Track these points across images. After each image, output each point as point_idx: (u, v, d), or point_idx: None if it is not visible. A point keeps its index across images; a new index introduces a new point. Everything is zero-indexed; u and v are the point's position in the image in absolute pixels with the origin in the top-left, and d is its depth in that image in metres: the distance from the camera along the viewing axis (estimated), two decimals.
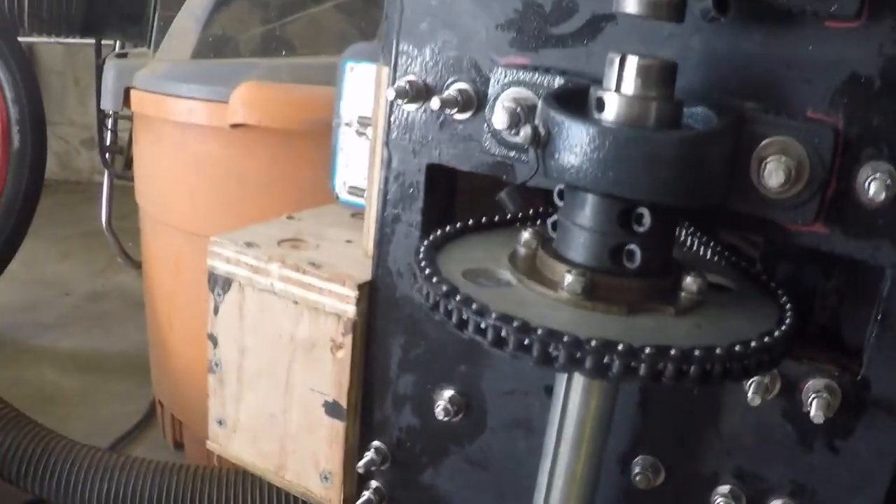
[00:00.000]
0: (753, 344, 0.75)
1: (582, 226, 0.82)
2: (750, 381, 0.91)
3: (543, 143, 0.78)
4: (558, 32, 0.95)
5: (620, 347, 0.70)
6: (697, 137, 0.77)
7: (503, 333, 0.74)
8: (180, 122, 1.95)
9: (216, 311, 1.39)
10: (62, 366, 2.93)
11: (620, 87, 0.78)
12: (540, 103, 0.81)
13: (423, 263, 0.86)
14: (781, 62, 0.85)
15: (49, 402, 2.69)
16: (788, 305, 0.85)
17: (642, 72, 0.78)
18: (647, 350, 0.70)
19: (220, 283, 1.37)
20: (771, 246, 1.02)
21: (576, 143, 0.75)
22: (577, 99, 0.82)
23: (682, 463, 1.01)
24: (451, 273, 0.85)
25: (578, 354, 0.71)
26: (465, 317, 0.76)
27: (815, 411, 0.88)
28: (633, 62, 0.78)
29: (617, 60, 0.78)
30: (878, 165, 0.83)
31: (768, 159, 0.81)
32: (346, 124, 1.36)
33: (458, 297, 0.78)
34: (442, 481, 1.19)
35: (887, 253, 0.85)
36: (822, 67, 0.84)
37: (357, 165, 1.35)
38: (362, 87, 1.31)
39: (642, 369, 0.70)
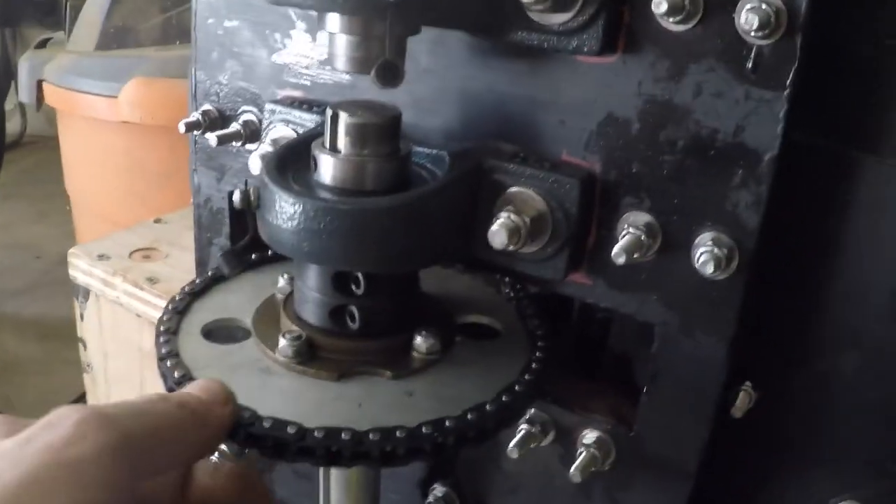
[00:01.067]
0: (425, 429, 0.70)
1: (305, 285, 0.78)
2: (518, 429, 0.88)
3: (254, 207, 0.74)
4: (330, 67, 0.90)
5: (290, 430, 0.67)
6: (403, 202, 0.72)
7: None
8: (85, 116, 1.94)
9: (82, 317, 1.39)
10: (23, 333, 2.95)
11: (335, 145, 0.74)
12: (261, 166, 0.77)
13: (164, 317, 0.83)
14: (534, 101, 0.80)
15: (6, 370, 2.72)
16: (530, 368, 0.80)
17: (353, 130, 0.73)
18: (316, 433, 0.67)
19: (81, 293, 1.36)
20: None
21: (275, 211, 0.71)
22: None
23: (475, 497, 0.99)
24: (195, 324, 0.82)
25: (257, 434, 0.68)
26: (168, 385, 0.74)
27: (573, 469, 0.84)
28: (343, 119, 0.73)
29: (329, 116, 0.74)
30: (637, 216, 0.78)
31: (498, 216, 0.76)
32: None
33: (167, 361, 0.75)
34: (277, 488, 1.19)
35: (654, 309, 0.80)
36: (577, 107, 0.78)
37: None
38: None
39: (317, 451, 0.67)
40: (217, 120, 1.00)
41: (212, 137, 0.95)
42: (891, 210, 0.76)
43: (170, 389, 0.74)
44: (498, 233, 0.74)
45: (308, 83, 0.92)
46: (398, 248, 0.72)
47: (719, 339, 0.79)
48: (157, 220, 1.44)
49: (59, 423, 0.55)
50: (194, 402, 0.64)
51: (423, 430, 0.69)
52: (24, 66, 2.09)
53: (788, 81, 0.70)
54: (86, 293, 1.34)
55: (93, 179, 2.06)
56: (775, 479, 0.89)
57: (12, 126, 3.84)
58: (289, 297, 0.83)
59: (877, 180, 0.75)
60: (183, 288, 0.87)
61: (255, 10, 0.94)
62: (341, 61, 0.72)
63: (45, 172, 4.35)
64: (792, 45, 0.68)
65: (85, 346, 1.40)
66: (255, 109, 0.97)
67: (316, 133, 0.81)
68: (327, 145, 0.74)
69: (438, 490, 1.01)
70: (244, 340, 0.81)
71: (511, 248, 0.75)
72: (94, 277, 1.30)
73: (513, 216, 0.75)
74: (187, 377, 0.73)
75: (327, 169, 0.74)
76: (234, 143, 0.97)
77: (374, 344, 0.77)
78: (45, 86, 2.05)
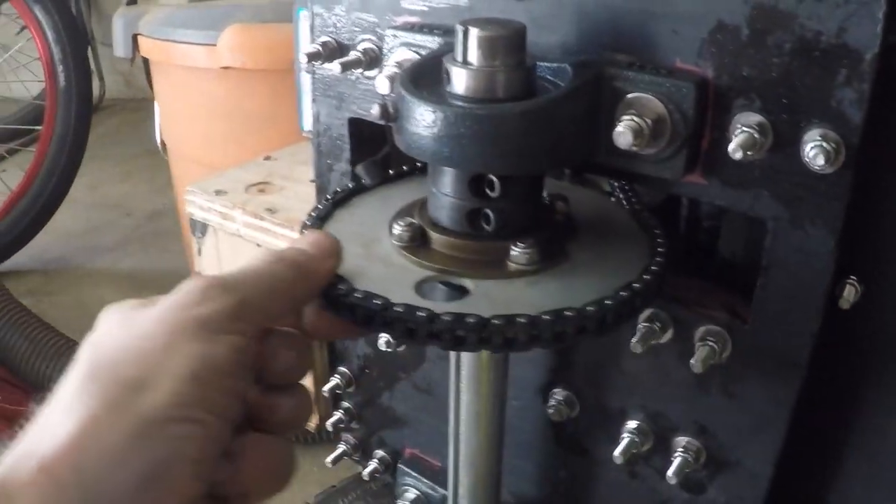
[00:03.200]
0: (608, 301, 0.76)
1: (440, 192, 0.85)
2: (638, 326, 0.93)
3: (393, 118, 0.80)
4: None
5: (421, 314, 0.73)
6: (536, 107, 0.77)
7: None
8: (183, 66, 2.02)
9: (199, 252, 1.47)
10: (120, 287, 3.08)
11: (466, 58, 0.80)
12: (396, 81, 0.83)
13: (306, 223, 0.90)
14: (649, 13, 0.84)
15: None
16: (648, 269, 0.85)
17: (485, 43, 0.78)
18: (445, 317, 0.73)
19: (198, 228, 1.44)
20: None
21: (417, 121, 0.77)
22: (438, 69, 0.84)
23: (594, 398, 1.05)
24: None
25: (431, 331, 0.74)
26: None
27: (694, 360, 0.90)
28: (474, 34, 0.78)
29: (461, 32, 0.79)
30: (749, 117, 0.83)
31: (621, 119, 0.81)
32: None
33: None
34: (397, 403, 1.27)
35: (766, 204, 0.85)
36: (688, 17, 0.82)
37: None
38: None
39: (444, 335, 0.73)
40: (335, 50, 1.06)
41: (335, 65, 1.00)
42: None
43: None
44: (623, 133, 0.80)
45: (425, 8, 0.98)
46: (530, 150, 0.78)
47: (828, 232, 0.83)
48: (267, 158, 1.51)
49: (187, 289, 0.64)
50: (303, 259, 0.72)
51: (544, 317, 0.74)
52: (119, 22, 2.18)
53: None
54: (203, 228, 1.42)
55: (191, 126, 2.15)
56: (879, 374, 0.93)
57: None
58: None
59: None
60: (325, 197, 0.94)
61: None
62: None
63: (127, 134, 4.49)
64: None
65: None
66: (372, 37, 1.03)
67: (439, 52, 0.87)
68: (459, 59, 0.80)
69: (559, 394, 1.07)
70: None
71: (634, 148, 0.80)
72: (212, 212, 1.38)
73: (636, 118, 0.80)
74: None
75: (460, 80, 0.80)
76: (353, 71, 1.03)
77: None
78: (140, 39, 2.13)
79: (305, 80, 1.40)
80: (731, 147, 0.80)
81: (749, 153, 0.80)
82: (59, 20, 2.82)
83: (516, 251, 0.82)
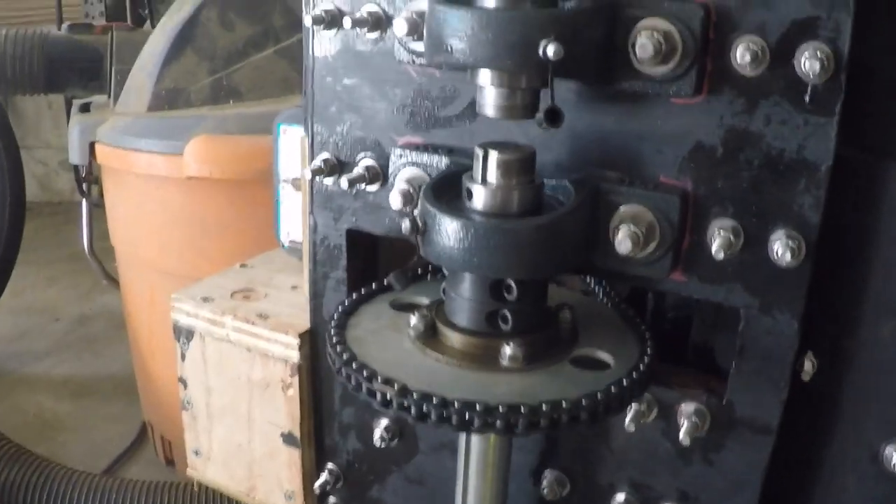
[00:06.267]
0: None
1: (460, 296, 0.96)
2: (629, 409, 1.05)
3: (422, 232, 0.90)
4: (444, 115, 1.07)
5: (435, 400, 0.86)
6: (552, 221, 0.90)
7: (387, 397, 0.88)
8: (142, 174, 2.08)
9: (183, 357, 1.53)
10: (57, 392, 3.06)
11: (486, 178, 0.91)
12: (421, 195, 0.94)
13: (331, 332, 1.00)
14: (635, 136, 0.98)
15: (48, 428, 2.83)
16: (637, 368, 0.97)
17: (503, 165, 0.90)
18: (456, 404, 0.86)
19: (183, 334, 1.50)
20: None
21: (446, 234, 0.88)
22: (456, 184, 0.95)
23: (584, 475, 1.16)
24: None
25: (444, 414, 0.85)
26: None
27: (682, 435, 1.01)
28: (493, 157, 0.90)
29: (481, 155, 0.91)
30: (724, 222, 0.96)
31: (619, 227, 0.94)
32: (284, 180, 1.49)
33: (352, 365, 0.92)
34: (387, 496, 1.35)
35: (739, 295, 0.99)
36: (670, 138, 0.97)
37: (296, 218, 1.48)
38: (294, 148, 1.43)
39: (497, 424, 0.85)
40: (335, 166, 1.17)
41: (344, 181, 1.11)
42: None
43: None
44: (624, 242, 0.92)
45: (426, 128, 1.09)
46: (545, 258, 0.90)
47: (793, 315, 0.98)
48: (243, 266, 1.59)
49: None
50: None
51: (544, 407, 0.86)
52: (76, 129, 2.22)
53: (837, 109, 0.89)
54: (189, 334, 1.48)
55: (146, 232, 2.19)
56: (835, 430, 1.06)
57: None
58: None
59: None
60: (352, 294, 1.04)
61: (374, 69, 1.11)
62: (491, 110, 0.89)
63: (47, 239, 4.46)
64: (839, 82, 0.88)
65: (185, 385, 1.53)
66: (373, 154, 1.14)
67: (450, 171, 0.99)
68: (479, 179, 0.91)
69: (550, 476, 1.17)
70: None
71: (632, 254, 0.93)
72: (199, 319, 1.44)
73: (633, 227, 0.93)
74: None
75: (479, 197, 0.91)
76: (357, 185, 1.13)
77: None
78: (98, 147, 2.18)
79: (285, 193, 1.49)
80: (713, 250, 0.94)
81: (727, 253, 0.94)
82: None
83: (517, 349, 0.94)
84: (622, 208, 0.96)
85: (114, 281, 3.39)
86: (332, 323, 1.03)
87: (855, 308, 1.01)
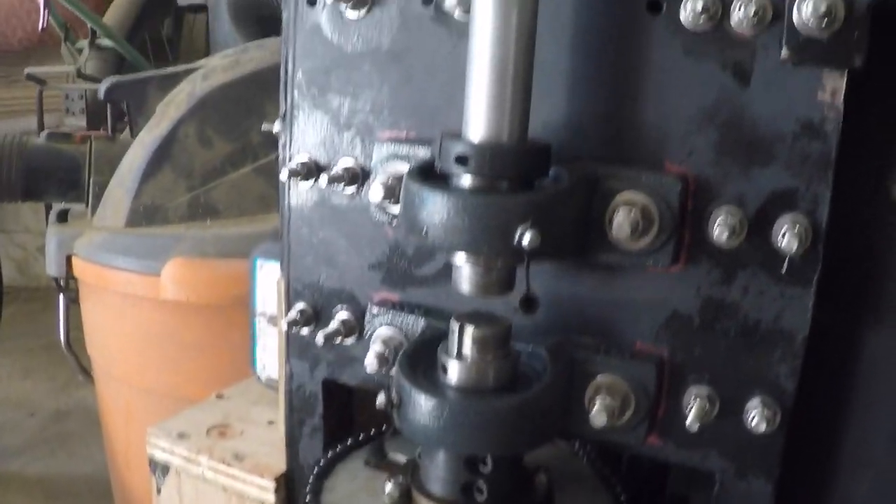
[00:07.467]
0: None
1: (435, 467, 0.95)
2: None
3: (397, 406, 0.90)
4: (421, 274, 1.07)
5: None
6: (528, 399, 0.89)
7: None
8: (119, 292, 2.07)
9: (159, 491, 1.51)
10: (30, 493, 3.01)
11: (461, 353, 0.91)
12: (395, 368, 0.94)
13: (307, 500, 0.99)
14: (611, 303, 0.98)
15: None
16: None
17: (479, 341, 0.90)
18: None
19: (159, 468, 1.48)
20: None
21: (421, 411, 0.88)
22: (433, 351, 0.95)
23: None
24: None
25: None
26: None
27: None
28: (469, 332, 0.90)
29: (456, 329, 0.91)
30: (700, 389, 0.96)
31: (595, 399, 0.94)
32: (261, 314, 1.48)
33: None
34: None
35: (715, 460, 0.98)
36: (647, 306, 0.97)
37: (272, 354, 1.47)
38: (271, 284, 1.43)
39: None
40: (311, 317, 1.16)
41: (319, 337, 1.10)
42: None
43: None
44: (599, 415, 0.92)
45: (402, 286, 1.09)
46: (522, 434, 0.90)
47: (767, 480, 0.97)
48: (220, 396, 1.58)
49: None
50: None
51: None
52: (53, 241, 2.21)
53: (814, 279, 0.90)
54: (165, 469, 1.46)
55: (122, 349, 2.18)
56: None
57: None
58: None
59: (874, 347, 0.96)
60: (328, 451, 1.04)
61: (350, 223, 1.11)
62: (467, 287, 0.90)
63: (24, 326, 4.40)
64: (816, 253, 0.89)
65: None
66: (349, 307, 1.13)
67: (425, 337, 0.99)
68: (454, 353, 0.91)
69: None
70: None
71: (608, 425, 0.92)
72: (175, 455, 1.43)
73: (608, 399, 0.93)
74: None
75: (454, 371, 0.91)
76: (333, 339, 1.13)
77: None
78: (75, 260, 2.17)
79: (261, 327, 1.49)
80: (689, 420, 0.93)
81: (703, 421, 0.94)
82: None
83: None
84: (598, 378, 0.96)
85: (89, 376, 3.36)
86: (308, 488, 1.02)
87: (830, 462, 1.01)
